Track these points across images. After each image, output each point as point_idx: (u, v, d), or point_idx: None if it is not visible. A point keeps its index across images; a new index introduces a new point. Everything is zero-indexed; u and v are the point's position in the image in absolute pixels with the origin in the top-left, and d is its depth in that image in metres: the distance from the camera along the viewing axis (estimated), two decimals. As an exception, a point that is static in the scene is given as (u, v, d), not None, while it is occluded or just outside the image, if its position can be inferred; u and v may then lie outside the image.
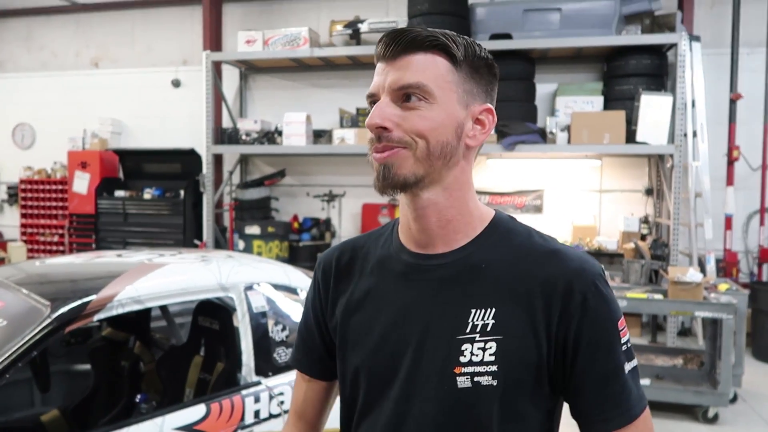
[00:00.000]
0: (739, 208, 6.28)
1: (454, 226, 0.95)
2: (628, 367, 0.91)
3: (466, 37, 0.94)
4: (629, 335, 0.94)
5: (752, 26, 6.15)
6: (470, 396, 0.89)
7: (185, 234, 7.19)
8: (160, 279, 2.19)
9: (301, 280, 2.59)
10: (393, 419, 0.94)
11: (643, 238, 6.31)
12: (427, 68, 0.89)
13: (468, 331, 0.91)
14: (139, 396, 2.63)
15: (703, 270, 5.36)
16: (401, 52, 0.90)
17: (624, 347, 0.92)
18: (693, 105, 5.71)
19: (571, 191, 6.77)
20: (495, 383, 0.89)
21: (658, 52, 6.04)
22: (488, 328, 0.90)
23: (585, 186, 6.74)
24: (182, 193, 7.20)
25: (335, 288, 1.05)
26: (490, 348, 0.89)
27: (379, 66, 0.93)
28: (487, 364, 0.89)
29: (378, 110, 0.90)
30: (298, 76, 7.34)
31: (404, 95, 0.89)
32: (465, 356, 0.90)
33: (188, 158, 7.21)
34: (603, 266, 0.95)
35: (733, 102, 6.07)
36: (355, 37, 6.64)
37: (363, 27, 6.59)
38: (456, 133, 0.92)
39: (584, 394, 0.91)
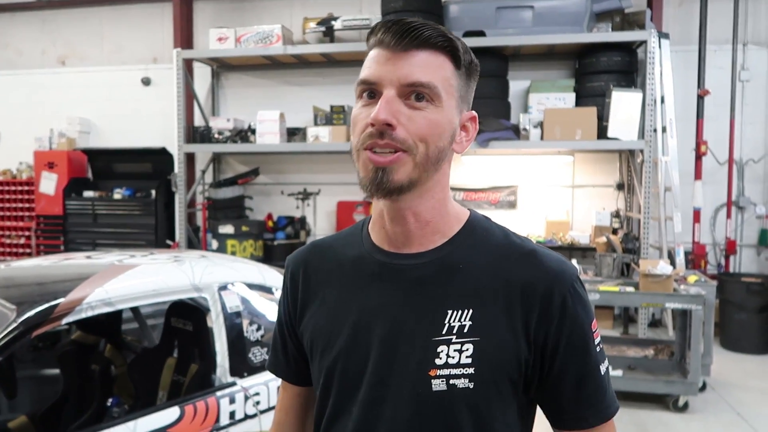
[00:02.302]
0: (707, 202, 6.42)
1: (432, 227, 0.93)
2: (602, 368, 0.92)
3: (460, 38, 0.93)
4: (600, 336, 0.95)
5: (719, 23, 6.28)
6: (445, 399, 0.88)
7: (157, 234, 7.07)
8: (131, 280, 2.14)
9: (276, 279, 2.57)
10: (363, 424, 0.92)
11: (614, 232, 6.41)
12: (437, 68, 0.87)
13: (444, 332, 0.89)
14: (110, 400, 2.57)
15: (672, 262, 5.47)
16: (414, 46, 0.86)
17: (598, 348, 0.93)
18: (662, 101, 5.82)
19: (544, 187, 6.84)
20: (471, 385, 0.87)
21: (628, 49, 6.13)
22: (465, 330, 0.88)
23: (558, 181, 6.82)
24: (154, 192, 7.08)
25: (304, 291, 1.03)
26: (467, 350, 0.87)
27: (381, 54, 0.88)
28: (464, 366, 0.87)
29: (386, 105, 0.85)
30: (271, 74, 7.27)
31: (413, 93, 0.86)
32: (441, 358, 0.88)
33: (159, 157, 7.09)
34: (576, 261, 0.96)
35: (700, 98, 6.19)
36: (329, 34, 6.60)
37: (336, 24, 6.55)
38: (450, 139, 0.91)
39: (561, 395, 0.91)
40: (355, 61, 6.83)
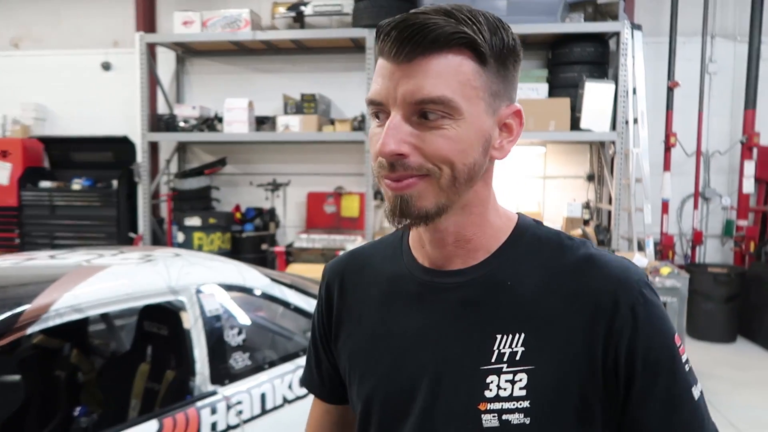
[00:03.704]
0: (675, 193, 6.51)
1: (474, 243, 0.83)
2: (695, 391, 0.78)
3: (489, 15, 0.75)
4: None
5: (689, 15, 6.33)
6: None
7: (119, 227, 6.79)
8: (102, 284, 1.99)
9: (257, 279, 2.44)
10: None
11: (585, 223, 6.45)
12: (450, 75, 0.72)
13: (494, 360, 0.78)
14: (78, 409, 2.42)
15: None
16: (418, 54, 0.72)
17: (687, 366, 0.78)
18: (634, 92, 5.85)
19: (516, 178, 6.83)
20: (528, 421, 0.76)
21: (601, 40, 6.14)
22: (517, 357, 0.77)
23: (529, 173, 6.82)
24: (115, 183, 6.79)
25: (340, 306, 0.93)
26: (521, 380, 0.76)
27: (386, 66, 0.74)
28: (518, 399, 0.76)
29: (392, 132, 0.73)
30: (238, 60, 7.04)
31: (423, 111, 0.73)
32: (491, 390, 0.77)
33: (121, 146, 6.79)
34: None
35: (670, 90, 6.26)
36: (299, 20, 6.41)
37: (307, 10, 6.36)
38: (483, 149, 0.78)
39: (645, 427, 0.76)
40: (327, 48, 6.66)
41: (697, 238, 6.50)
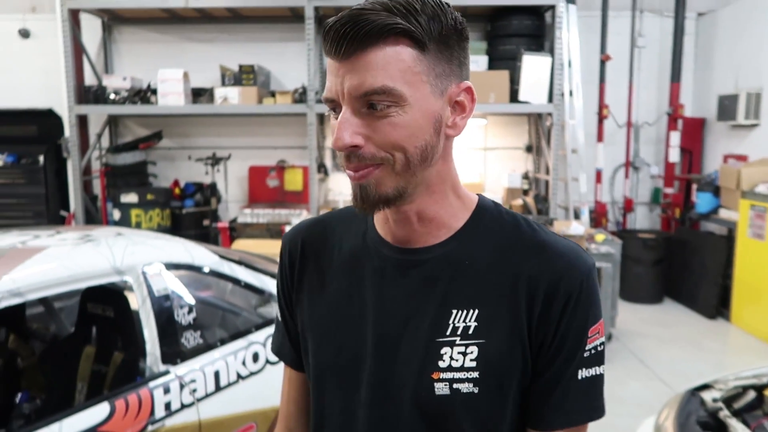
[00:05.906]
0: (607, 163, 6.79)
1: (436, 222, 0.87)
2: (584, 373, 0.83)
3: (427, 0, 0.77)
4: (601, 340, 0.86)
5: (620, -10, 6.53)
6: (448, 404, 0.82)
7: (48, 205, 6.45)
8: (42, 266, 1.90)
9: (205, 257, 2.39)
10: (358, 426, 0.87)
11: (525, 193, 6.64)
12: (390, 65, 0.75)
13: (448, 333, 0.83)
14: (19, 395, 2.32)
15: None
16: (356, 49, 0.75)
17: (588, 353, 0.84)
18: (569, 65, 6.01)
19: (459, 150, 6.90)
20: (476, 391, 0.82)
21: (538, 13, 6.25)
22: (470, 331, 0.83)
23: (471, 145, 6.93)
24: (41, 159, 6.42)
25: (301, 273, 0.95)
26: (472, 353, 0.82)
27: (332, 64, 0.78)
28: (468, 369, 0.82)
29: (343, 127, 0.77)
30: (171, 29, 6.73)
31: (369, 102, 0.76)
32: (444, 361, 0.82)
33: (46, 120, 6.41)
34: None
35: (603, 63, 6.47)
36: (234, -13, 6.18)
37: (242, -24, 6.14)
38: (435, 130, 0.80)
39: (533, 391, 0.84)
40: (264, 17, 6.47)
41: (627, 206, 6.83)
